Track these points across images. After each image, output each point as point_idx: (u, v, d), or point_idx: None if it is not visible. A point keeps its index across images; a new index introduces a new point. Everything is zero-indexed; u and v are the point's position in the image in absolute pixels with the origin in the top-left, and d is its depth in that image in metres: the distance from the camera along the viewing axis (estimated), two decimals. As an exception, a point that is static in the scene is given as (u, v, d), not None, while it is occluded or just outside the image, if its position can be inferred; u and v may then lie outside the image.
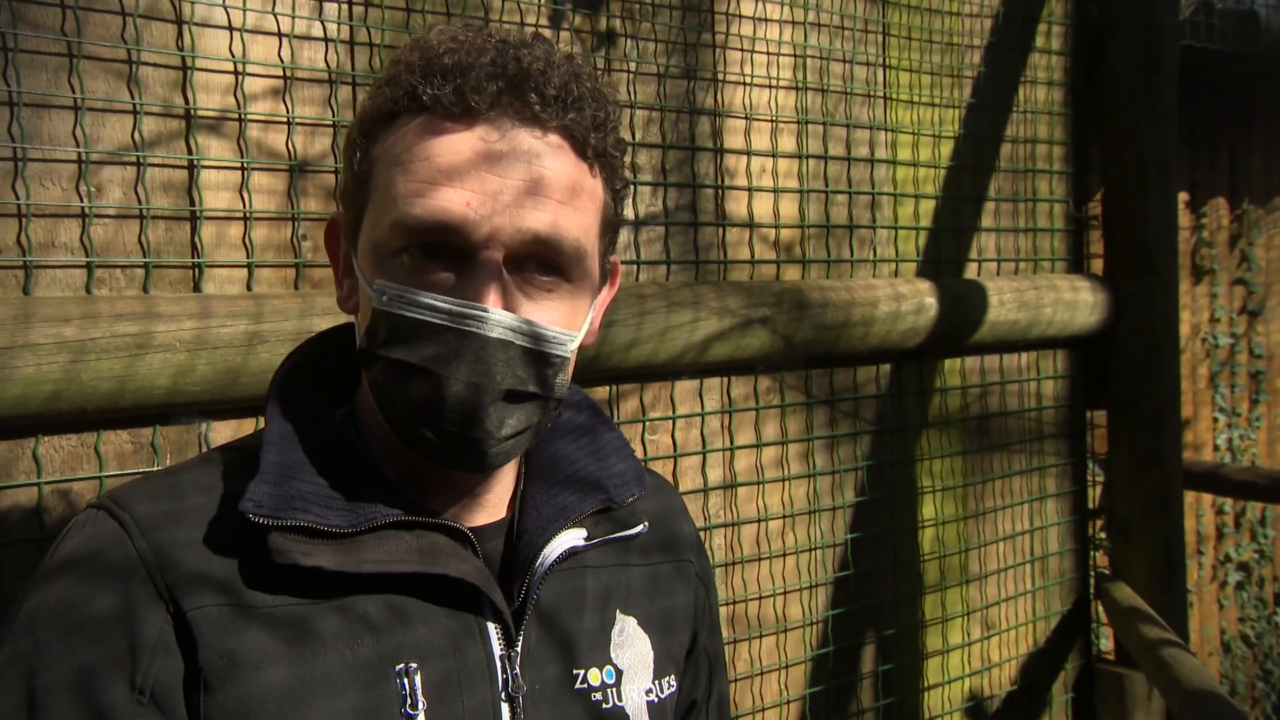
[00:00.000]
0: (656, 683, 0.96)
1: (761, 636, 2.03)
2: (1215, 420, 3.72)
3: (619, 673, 0.93)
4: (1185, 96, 2.61)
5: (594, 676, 0.91)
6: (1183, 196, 3.52)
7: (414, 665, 0.82)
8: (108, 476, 1.34)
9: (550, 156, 0.82)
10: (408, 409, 0.81)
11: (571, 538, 0.91)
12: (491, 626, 0.86)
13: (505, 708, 0.85)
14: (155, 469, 0.95)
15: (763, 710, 2.03)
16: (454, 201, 0.79)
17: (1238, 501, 3.70)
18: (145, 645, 0.77)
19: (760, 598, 2.03)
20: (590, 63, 0.84)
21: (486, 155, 0.80)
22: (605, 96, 0.85)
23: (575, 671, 0.91)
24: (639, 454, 1.86)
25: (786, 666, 2.07)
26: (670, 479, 1.91)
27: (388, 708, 0.80)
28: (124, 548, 0.79)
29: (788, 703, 2.07)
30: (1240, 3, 3.10)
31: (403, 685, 0.81)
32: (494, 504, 0.92)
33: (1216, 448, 3.72)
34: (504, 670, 0.86)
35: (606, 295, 0.94)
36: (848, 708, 2.18)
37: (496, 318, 0.80)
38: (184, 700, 0.77)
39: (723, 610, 1.97)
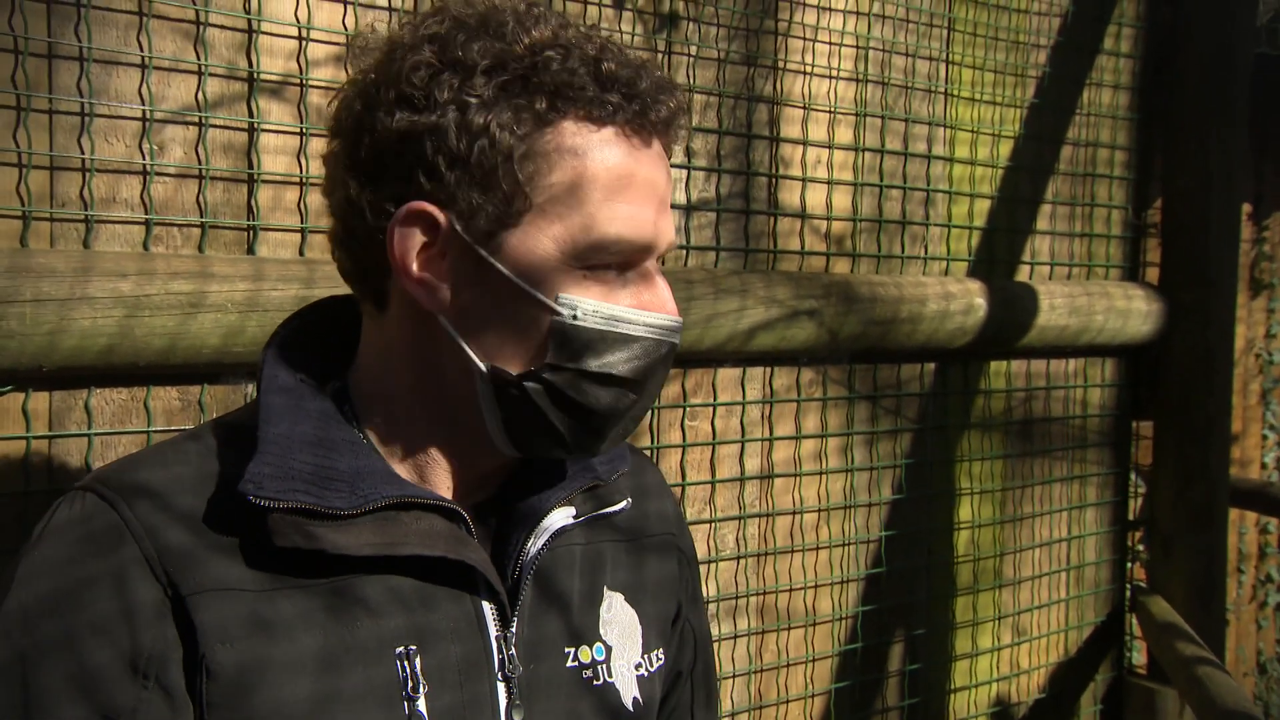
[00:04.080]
0: (645, 657, 0.97)
1: (790, 629, 2.03)
2: (1264, 438, 3.65)
3: (609, 649, 0.93)
4: (1256, 106, 2.55)
5: (584, 654, 0.92)
6: (1246, 208, 3.44)
7: (413, 648, 0.81)
8: (155, 431, 1.36)
9: (666, 165, 0.87)
10: (602, 415, 0.84)
11: (562, 516, 0.90)
12: (488, 607, 0.86)
13: (501, 689, 0.85)
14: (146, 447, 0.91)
15: (787, 703, 2.03)
16: (649, 221, 0.83)
17: (1283, 522, 3.62)
18: (148, 641, 0.75)
19: (791, 590, 2.03)
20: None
21: (653, 172, 0.84)
22: None
23: (567, 650, 0.91)
24: (678, 440, 1.86)
25: (813, 660, 2.07)
26: (708, 466, 1.91)
27: (390, 693, 0.80)
28: (123, 541, 0.77)
29: (813, 696, 2.07)
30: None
31: (403, 669, 0.81)
32: (488, 483, 0.92)
33: (1264, 465, 3.65)
34: (500, 651, 0.86)
35: None
36: (872, 705, 2.17)
37: (680, 326, 0.87)
38: (189, 691, 0.76)
39: (753, 600, 1.97)
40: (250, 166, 1.42)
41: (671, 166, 0.84)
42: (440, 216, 0.80)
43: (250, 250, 1.43)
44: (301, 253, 1.46)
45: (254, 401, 0.87)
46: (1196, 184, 2.44)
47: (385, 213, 0.81)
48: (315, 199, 1.47)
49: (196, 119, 1.38)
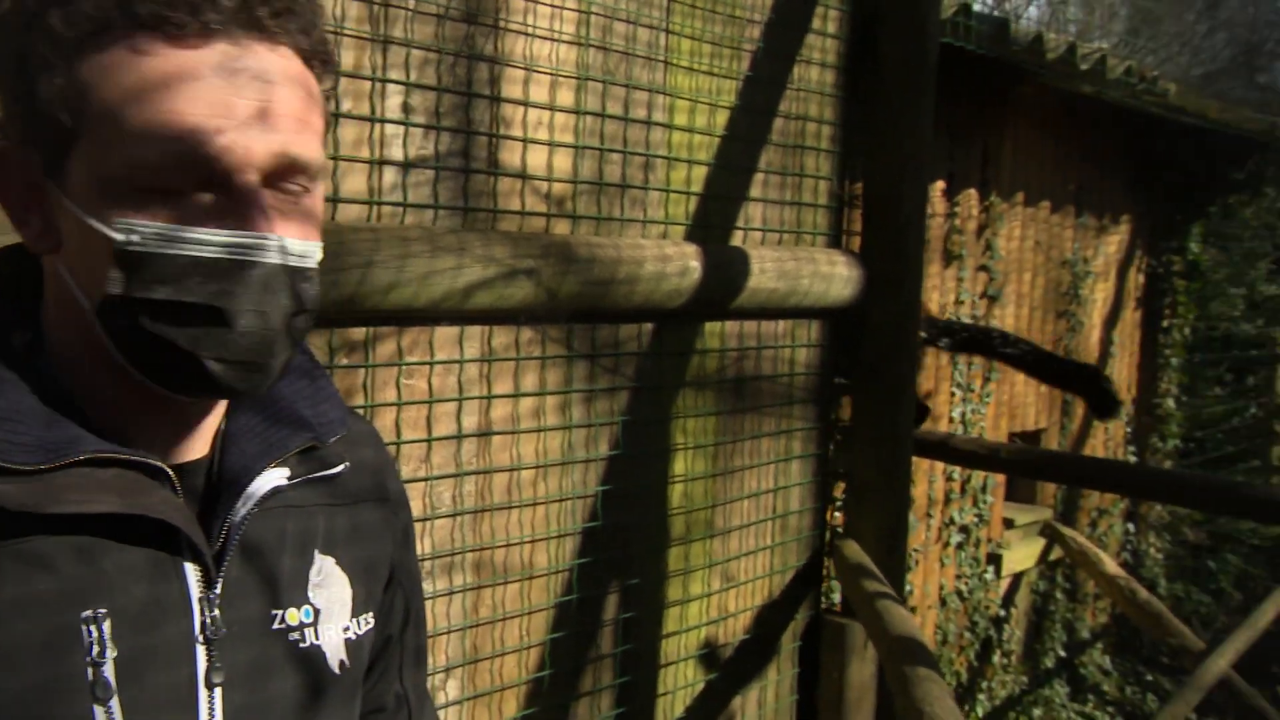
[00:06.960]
0: (354, 620, 0.97)
1: (506, 583, 2.07)
2: (953, 395, 4.03)
3: (316, 612, 0.93)
4: (949, 91, 2.78)
5: (291, 616, 0.91)
6: (940, 185, 3.76)
7: (103, 611, 0.78)
8: None
9: (286, 70, 0.79)
10: (185, 349, 0.77)
11: (275, 477, 0.89)
12: (189, 567, 0.84)
13: (200, 649, 0.84)
14: None
15: (503, 655, 2.07)
16: (204, 129, 0.75)
17: (965, 469, 4.03)
18: None
19: (508, 545, 2.06)
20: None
21: (230, 77, 0.75)
22: None
23: (274, 612, 0.90)
24: (393, 398, 1.84)
25: (530, 613, 2.12)
26: (424, 425, 1.90)
27: (72, 660, 0.76)
28: None
29: (529, 648, 2.12)
30: (997, 10, 3.31)
31: (90, 633, 0.77)
32: (199, 439, 0.89)
33: (951, 420, 4.03)
34: (202, 613, 0.84)
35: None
36: (587, 653, 2.25)
37: (274, 243, 0.78)
38: None
39: (469, 556, 1.99)
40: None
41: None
42: (11, 151, 0.78)
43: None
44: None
45: None
46: (892, 166, 2.63)
47: None
48: None
49: None
